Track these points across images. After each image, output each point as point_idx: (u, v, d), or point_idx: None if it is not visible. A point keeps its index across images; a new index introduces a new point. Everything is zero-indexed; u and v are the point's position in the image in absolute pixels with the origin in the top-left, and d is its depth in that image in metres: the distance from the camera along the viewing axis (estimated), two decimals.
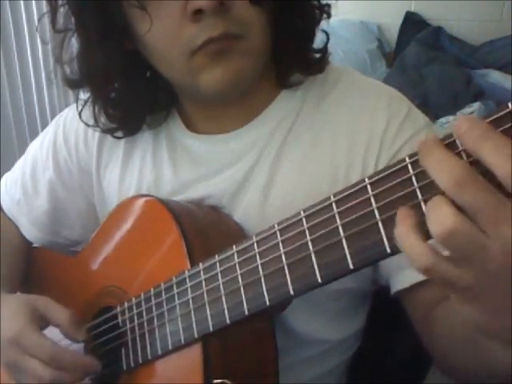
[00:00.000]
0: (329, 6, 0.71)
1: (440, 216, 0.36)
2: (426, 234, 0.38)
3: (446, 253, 0.38)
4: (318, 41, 0.72)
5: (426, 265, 0.38)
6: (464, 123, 0.35)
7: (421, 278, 0.62)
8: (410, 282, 0.65)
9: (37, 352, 0.64)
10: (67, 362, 0.65)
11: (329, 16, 0.72)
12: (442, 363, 0.64)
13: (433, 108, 2.04)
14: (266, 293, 0.52)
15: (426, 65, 2.28)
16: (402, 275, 0.65)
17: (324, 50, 0.72)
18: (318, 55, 0.72)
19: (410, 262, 0.39)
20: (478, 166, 0.36)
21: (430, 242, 0.38)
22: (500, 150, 0.34)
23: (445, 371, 0.64)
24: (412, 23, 2.50)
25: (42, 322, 0.67)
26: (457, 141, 0.38)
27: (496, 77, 2.19)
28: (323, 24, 0.72)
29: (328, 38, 0.73)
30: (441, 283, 0.39)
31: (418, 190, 0.40)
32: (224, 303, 0.56)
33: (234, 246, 0.56)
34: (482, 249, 0.35)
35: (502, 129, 0.36)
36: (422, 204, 0.40)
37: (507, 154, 0.34)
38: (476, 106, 1.98)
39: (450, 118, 1.98)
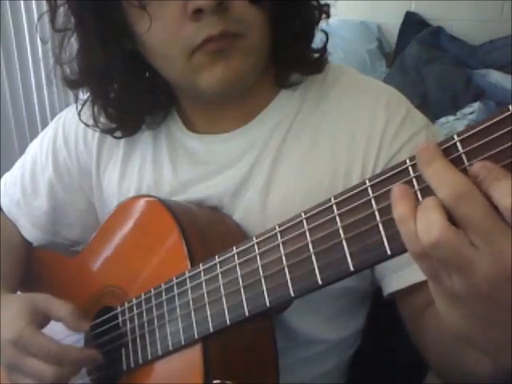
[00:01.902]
0: (328, 6, 0.72)
1: (428, 224, 0.36)
2: None
3: None
4: (318, 41, 0.73)
5: (418, 252, 0.38)
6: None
7: (412, 281, 0.63)
8: (400, 285, 0.65)
9: (39, 351, 0.64)
10: (69, 358, 0.65)
11: (328, 16, 0.72)
12: (433, 365, 0.65)
13: (433, 108, 2.04)
14: (266, 294, 0.52)
15: (426, 65, 2.28)
16: (395, 278, 0.65)
17: (323, 50, 0.73)
18: (317, 55, 0.72)
19: (406, 244, 0.39)
20: None
21: None
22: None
23: (437, 374, 0.65)
24: (412, 23, 2.50)
25: (42, 319, 0.67)
26: (457, 144, 0.38)
27: (496, 77, 2.19)
28: (323, 24, 0.72)
29: (327, 38, 0.73)
30: (430, 276, 0.40)
31: (418, 192, 0.40)
32: (224, 304, 0.56)
33: (234, 247, 0.56)
34: (469, 262, 0.36)
35: (501, 132, 0.36)
36: None
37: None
38: (476, 106, 1.98)
39: (450, 117, 1.98)
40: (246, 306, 0.54)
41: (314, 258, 0.48)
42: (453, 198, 0.36)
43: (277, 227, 0.51)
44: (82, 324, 0.67)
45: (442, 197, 0.36)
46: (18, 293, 0.83)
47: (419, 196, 0.40)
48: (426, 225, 0.37)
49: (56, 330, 0.69)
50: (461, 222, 0.36)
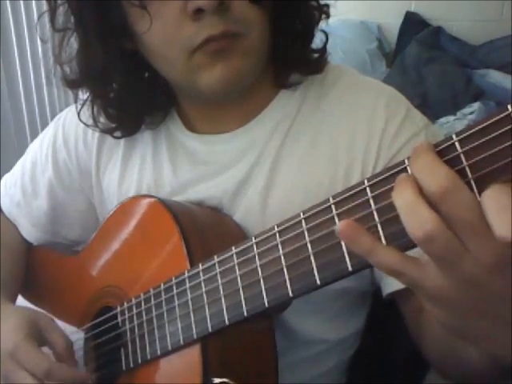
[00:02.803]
0: (328, 6, 0.72)
1: (421, 220, 0.36)
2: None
3: (417, 255, 0.39)
4: (318, 41, 0.73)
5: (391, 269, 0.39)
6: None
7: None
8: (399, 285, 0.64)
9: (29, 366, 0.64)
10: (59, 377, 0.65)
11: (328, 16, 0.72)
12: (434, 364, 0.65)
13: (433, 108, 2.04)
14: (264, 294, 0.52)
15: (426, 65, 2.28)
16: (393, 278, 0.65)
17: (323, 50, 0.73)
18: (316, 55, 0.72)
19: (383, 269, 0.40)
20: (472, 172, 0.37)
21: None
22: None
23: (439, 373, 0.65)
24: (412, 23, 2.50)
25: (40, 338, 0.68)
26: (456, 144, 0.38)
27: (496, 77, 2.19)
28: (323, 24, 0.72)
29: (327, 38, 0.73)
30: (409, 285, 0.40)
31: None
32: (223, 304, 0.56)
33: (233, 247, 0.56)
34: (459, 257, 0.36)
35: (501, 131, 0.36)
36: None
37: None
38: (476, 106, 1.98)
39: (450, 117, 1.98)
40: (244, 306, 0.54)
41: (312, 257, 0.48)
42: (439, 192, 0.36)
43: (275, 227, 0.51)
44: (69, 361, 0.67)
45: (428, 190, 0.36)
46: (19, 306, 0.82)
47: None
48: (418, 220, 0.37)
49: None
50: (446, 217, 0.36)
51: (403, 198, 0.38)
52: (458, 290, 0.38)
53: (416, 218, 0.37)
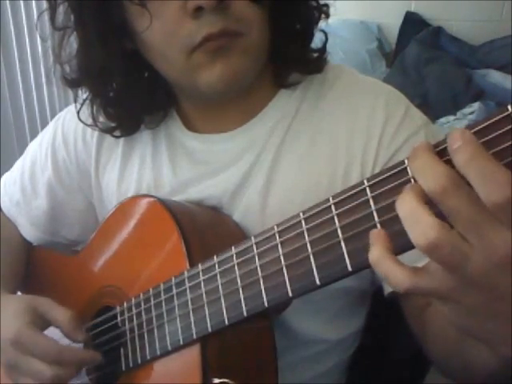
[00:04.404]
0: (327, 6, 0.72)
1: (424, 227, 0.36)
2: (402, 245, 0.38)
3: (419, 264, 0.38)
4: (317, 40, 0.73)
5: (405, 288, 0.38)
6: (457, 140, 0.35)
7: None
8: None
9: (38, 351, 0.64)
10: (69, 358, 0.65)
11: (327, 16, 0.72)
12: (437, 363, 0.65)
13: (433, 108, 2.05)
14: (264, 294, 0.52)
15: (426, 65, 2.28)
16: None
17: (322, 50, 0.73)
18: (316, 54, 0.72)
19: (388, 283, 0.39)
20: None
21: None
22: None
23: (441, 371, 0.65)
24: (412, 23, 2.51)
25: (42, 322, 0.67)
26: None
27: (496, 77, 2.19)
28: (323, 24, 0.72)
29: (327, 38, 0.73)
30: (421, 295, 0.40)
31: None
32: (223, 304, 0.56)
33: (232, 247, 0.56)
34: (465, 257, 0.36)
35: (500, 132, 0.36)
36: None
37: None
38: (476, 106, 1.98)
39: (450, 117, 1.98)
40: (244, 306, 0.54)
41: (312, 257, 0.48)
42: (439, 191, 0.35)
43: (275, 227, 0.51)
44: (77, 333, 0.67)
45: (428, 190, 0.36)
46: (18, 293, 0.83)
47: None
48: (421, 227, 0.36)
49: (56, 330, 0.69)
50: (449, 216, 0.36)
51: (405, 207, 0.37)
52: (470, 291, 0.37)
53: (418, 226, 0.36)
